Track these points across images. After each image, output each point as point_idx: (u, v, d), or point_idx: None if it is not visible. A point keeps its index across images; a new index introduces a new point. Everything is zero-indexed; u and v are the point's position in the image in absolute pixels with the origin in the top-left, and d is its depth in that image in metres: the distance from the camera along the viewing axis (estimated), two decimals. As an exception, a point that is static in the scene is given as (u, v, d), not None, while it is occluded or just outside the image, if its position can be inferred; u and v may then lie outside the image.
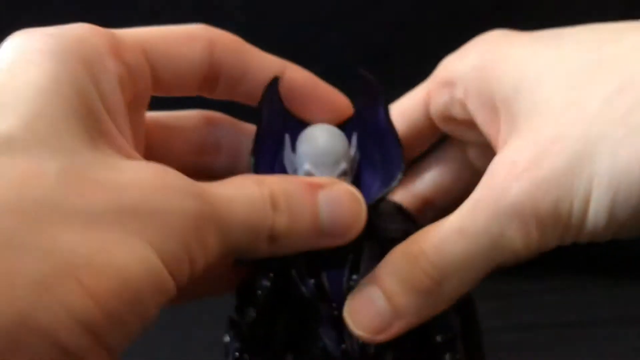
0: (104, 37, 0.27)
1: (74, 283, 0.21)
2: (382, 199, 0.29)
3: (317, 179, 0.28)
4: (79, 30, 0.27)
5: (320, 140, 0.29)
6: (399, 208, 0.32)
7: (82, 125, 0.24)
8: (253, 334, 0.29)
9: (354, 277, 0.29)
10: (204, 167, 0.33)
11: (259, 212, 0.26)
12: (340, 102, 0.32)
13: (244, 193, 0.26)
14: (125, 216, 0.22)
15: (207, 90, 0.31)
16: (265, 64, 0.31)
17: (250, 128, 0.33)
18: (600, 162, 0.25)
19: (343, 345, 0.29)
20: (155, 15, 0.51)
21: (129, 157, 0.25)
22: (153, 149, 0.29)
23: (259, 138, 0.29)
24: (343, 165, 0.29)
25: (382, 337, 0.28)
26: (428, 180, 0.36)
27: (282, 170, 0.30)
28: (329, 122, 0.31)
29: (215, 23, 0.52)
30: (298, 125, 0.31)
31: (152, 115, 0.31)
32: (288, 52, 0.33)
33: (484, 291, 0.31)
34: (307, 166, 0.29)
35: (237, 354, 0.29)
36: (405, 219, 0.32)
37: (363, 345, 0.29)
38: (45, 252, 0.21)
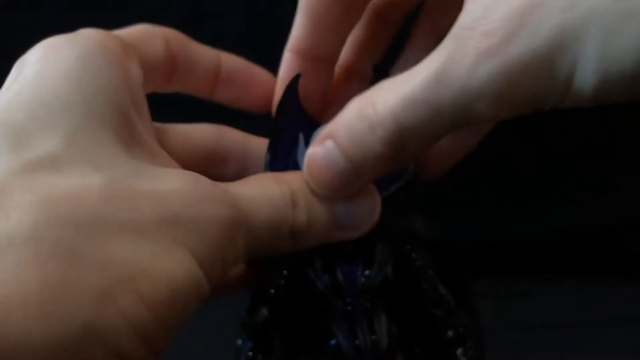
0: (116, 41, 0.28)
1: (132, 293, 0.22)
2: (393, 193, 0.29)
3: None
4: (96, 35, 0.27)
5: None
6: (408, 202, 0.32)
7: (117, 135, 0.25)
8: (266, 333, 0.29)
9: (367, 272, 0.29)
10: (212, 177, 0.33)
11: (281, 211, 0.27)
12: (272, 86, 0.33)
13: (265, 193, 0.27)
14: (170, 225, 0.23)
15: (165, 83, 0.32)
16: (205, 54, 0.33)
17: (258, 141, 0.34)
18: (588, 45, 0.22)
19: (356, 342, 0.29)
20: (153, 16, 0.51)
21: (159, 159, 0.26)
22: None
23: (275, 136, 0.30)
24: None
25: (343, 194, 0.28)
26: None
27: (296, 168, 0.31)
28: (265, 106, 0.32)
29: (215, 23, 0.52)
30: (311, 124, 0.31)
31: (165, 125, 0.32)
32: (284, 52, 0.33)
33: (485, 291, 0.31)
34: None
35: (250, 354, 0.29)
36: (414, 213, 0.32)
37: (376, 341, 0.29)
38: (103, 263, 0.22)
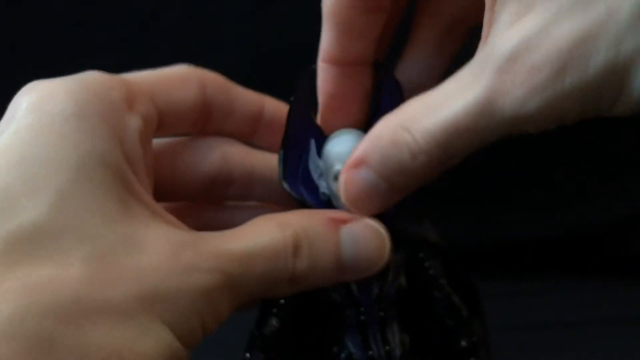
0: (119, 89, 0.27)
1: None
2: (406, 202, 0.29)
3: (340, 214, 0.28)
4: (97, 85, 0.27)
5: (351, 143, 0.30)
6: (420, 210, 0.32)
7: (110, 195, 0.25)
8: (276, 345, 0.29)
9: (382, 282, 0.29)
10: (215, 196, 0.33)
11: (279, 261, 0.26)
12: None
13: (265, 242, 0.26)
14: (148, 302, 0.23)
15: (199, 127, 0.32)
16: (247, 99, 0.33)
17: (263, 157, 0.34)
18: (636, 75, 0.23)
19: (370, 352, 0.29)
20: (154, 17, 0.51)
21: (153, 212, 0.26)
22: (164, 175, 0.30)
23: (287, 142, 0.30)
24: None
25: (385, 208, 0.28)
26: (412, 71, 0.34)
27: (307, 174, 0.30)
28: None
29: (215, 23, 0.52)
30: (322, 131, 0.31)
31: (166, 141, 0.32)
32: (285, 53, 0.33)
33: (484, 291, 0.31)
34: (338, 166, 0.29)
35: (247, 355, 0.29)
36: (427, 221, 0.32)
37: (389, 351, 0.29)
38: (82, 352, 0.22)
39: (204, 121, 0.32)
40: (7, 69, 0.52)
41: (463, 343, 0.30)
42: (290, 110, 0.30)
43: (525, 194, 0.52)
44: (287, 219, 0.27)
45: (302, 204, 0.30)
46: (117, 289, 0.23)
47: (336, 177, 0.29)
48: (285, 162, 0.30)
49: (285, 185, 0.30)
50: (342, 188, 0.27)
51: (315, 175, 0.30)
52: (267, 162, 0.33)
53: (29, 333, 0.21)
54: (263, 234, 0.26)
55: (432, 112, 0.25)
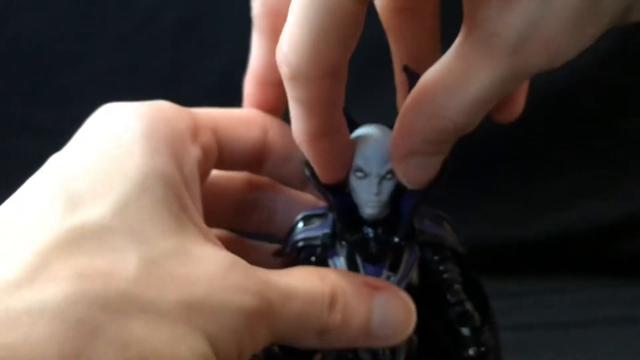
0: (186, 120, 0.29)
1: None
2: (423, 200, 0.29)
3: (374, 280, 0.29)
4: (166, 114, 0.29)
5: (373, 138, 0.30)
6: (436, 211, 0.32)
7: (170, 210, 0.26)
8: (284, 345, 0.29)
9: (392, 278, 0.29)
10: (238, 224, 0.35)
11: (315, 310, 0.27)
12: None
13: (305, 288, 0.27)
14: (192, 310, 0.24)
15: (255, 168, 0.33)
16: None
17: (287, 191, 0.34)
18: None
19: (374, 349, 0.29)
20: (154, 17, 0.52)
21: (206, 235, 0.27)
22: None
23: None
24: (390, 165, 0.29)
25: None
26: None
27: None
28: None
29: (215, 23, 0.52)
30: (350, 125, 0.31)
31: None
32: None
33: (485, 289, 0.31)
34: (357, 162, 0.29)
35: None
36: (447, 225, 0.32)
37: (394, 351, 0.29)
38: (122, 344, 0.23)
39: (261, 163, 0.33)
40: (7, 68, 0.52)
41: (471, 352, 0.29)
42: None
43: (526, 194, 0.52)
44: (327, 274, 0.28)
45: (325, 196, 0.30)
46: (164, 293, 0.24)
47: (356, 173, 0.29)
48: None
49: (308, 174, 0.30)
50: (407, 181, 0.28)
51: None
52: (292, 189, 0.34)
53: (74, 317, 0.22)
54: (305, 280, 0.27)
55: (458, 92, 0.26)
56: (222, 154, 0.31)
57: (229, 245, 0.34)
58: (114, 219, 0.25)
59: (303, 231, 0.31)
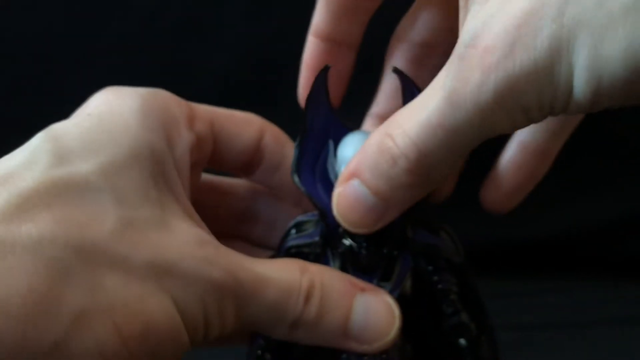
0: (182, 108, 0.30)
1: (109, 322, 0.24)
2: (416, 208, 0.29)
3: (363, 282, 0.28)
4: (164, 98, 0.29)
5: (356, 146, 0.29)
6: (439, 223, 0.32)
7: (155, 183, 0.26)
8: (278, 344, 0.29)
9: (385, 286, 0.29)
10: (241, 234, 0.34)
11: (290, 301, 0.27)
12: None
13: (282, 278, 0.27)
14: (161, 273, 0.25)
15: (247, 172, 0.33)
16: None
17: (287, 203, 0.34)
18: (580, 52, 0.22)
19: (365, 358, 0.28)
20: (154, 17, 0.52)
21: (188, 214, 0.27)
22: (201, 209, 0.30)
23: (304, 131, 0.30)
24: None
25: (379, 226, 0.28)
26: (422, 26, 0.34)
27: (324, 173, 0.30)
28: None
29: (215, 23, 0.52)
30: (341, 131, 0.31)
31: (206, 177, 0.33)
32: (285, 54, 0.33)
33: (484, 291, 0.31)
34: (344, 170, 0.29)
35: (259, 352, 0.29)
36: (444, 235, 0.31)
37: (386, 358, 0.28)
38: (89, 288, 0.24)
39: (253, 167, 0.33)
40: (7, 68, 0.52)
41: (461, 341, 0.29)
42: (306, 106, 0.30)
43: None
44: (309, 267, 0.28)
45: (313, 203, 0.30)
46: (136, 252, 0.25)
47: None
48: (299, 157, 0.30)
49: (296, 180, 0.30)
50: (334, 202, 0.28)
51: (332, 176, 0.30)
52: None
53: (47, 256, 0.23)
54: (284, 270, 0.27)
55: (412, 114, 0.25)
56: (217, 148, 0.31)
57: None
58: (99, 178, 0.25)
59: (295, 238, 0.30)
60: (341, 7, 0.32)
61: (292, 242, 0.30)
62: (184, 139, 0.29)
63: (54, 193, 0.24)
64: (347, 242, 0.29)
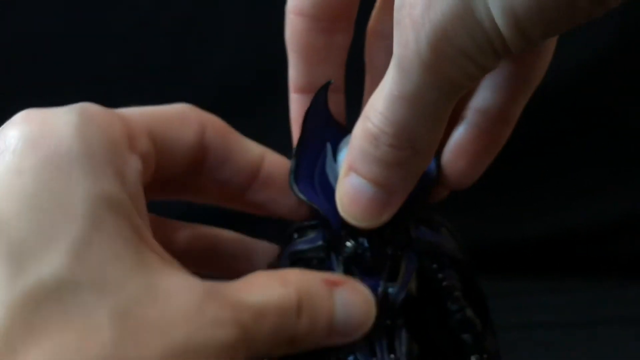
0: (120, 128, 0.26)
1: None
2: (420, 206, 0.29)
3: (333, 276, 0.28)
4: (99, 120, 0.26)
5: None
6: (440, 220, 0.32)
7: (126, 243, 0.24)
8: None
9: (390, 289, 0.28)
10: (192, 180, 0.32)
11: (286, 319, 0.26)
12: None
13: (273, 298, 0.26)
14: (176, 356, 0.23)
15: (194, 170, 0.31)
16: (246, 148, 0.32)
17: (239, 150, 0.32)
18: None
19: (374, 359, 0.28)
20: (154, 17, 0.52)
21: (165, 260, 0.25)
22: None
23: (301, 142, 0.30)
24: None
25: (386, 217, 0.28)
26: (391, 19, 0.34)
27: (324, 178, 0.30)
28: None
29: (215, 23, 0.52)
30: (339, 134, 0.31)
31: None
32: (284, 54, 0.33)
33: (485, 291, 0.31)
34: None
35: None
36: (446, 231, 0.31)
37: (394, 358, 0.28)
38: None
39: (200, 165, 0.31)
40: (7, 68, 0.52)
41: (473, 359, 0.29)
42: (305, 118, 0.30)
43: (525, 193, 0.52)
44: (287, 276, 0.27)
45: (313, 210, 0.30)
46: (147, 346, 0.22)
47: None
48: (297, 166, 0.30)
49: (295, 190, 0.30)
50: (337, 202, 0.28)
51: (332, 180, 0.30)
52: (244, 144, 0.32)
53: None
54: (270, 290, 0.26)
55: (379, 92, 0.26)
56: (159, 159, 0.29)
57: (203, 242, 0.33)
58: (73, 269, 0.22)
59: (298, 243, 0.30)
60: (311, 52, 0.31)
61: (294, 247, 0.30)
62: (133, 169, 0.26)
63: (30, 314, 0.21)
64: (350, 244, 0.29)
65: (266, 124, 0.34)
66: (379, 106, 0.25)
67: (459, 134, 0.31)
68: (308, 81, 0.32)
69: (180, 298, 0.24)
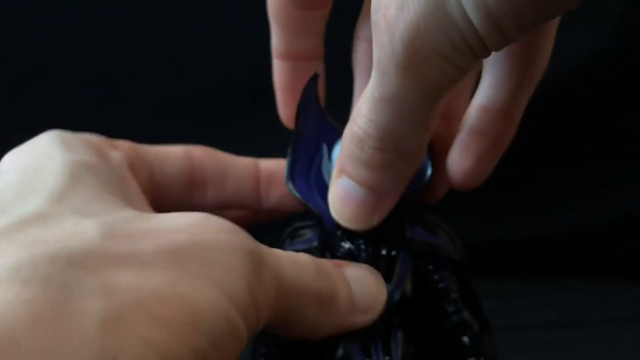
0: (95, 137, 0.28)
1: (145, 316, 0.20)
2: (414, 205, 0.29)
3: (338, 261, 0.28)
4: (72, 133, 0.28)
5: None
6: (431, 218, 0.32)
7: (111, 193, 0.24)
8: (278, 343, 0.29)
9: (387, 287, 0.28)
10: (194, 204, 0.33)
11: (306, 274, 0.25)
12: None
13: (289, 255, 0.26)
14: (181, 257, 0.21)
15: (199, 196, 0.32)
16: (238, 159, 0.33)
17: (233, 161, 0.33)
18: None
19: None
20: (154, 17, 0.52)
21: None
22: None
23: (296, 141, 0.30)
24: None
25: (377, 219, 0.28)
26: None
27: (319, 178, 0.30)
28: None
29: (215, 23, 0.52)
30: (334, 134, 0.31)
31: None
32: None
33: (484, 291, 0.31)
34: None
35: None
36: (442, 232, 0.31)
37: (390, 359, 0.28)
38: (107, 291, 0.20)
39: (201, 190, 0.31)
40: (7, 68, 0.52)
41: (465, 339, 0.29)
42: (298, 114, 0.30)
43: (526, 193, 0.52)
44: (298, 254, 0.27)
45: (310, 209, 0.30)
46: (138, 245, 0.22)
47: None
48: (293, 164, 0.30)
49: (291, 188, 0.30)
50: (329, 204, 0.28)
51: (327, 180, 0.30)
52: (242, 165, 0.33)
53: (41, 277, 0.19)
54: (285, 252, 0.26)
55: (364, 95, 0.26)
56: (152, 175, 0.30)
57: None
58: (54, 207, 0.22)
59: (294, 243, 0.30)
60: (290, 23, 0.32)
61: (290, 247, 0.30)
62: (116, 156, 0.27)
63: (13, 232, 0.21)
64: (346, 245, 0.29)
65: (266, 124, 0.34)
66: (363, 109, 0.26)
67: (464, 133, 0.31)
68: (288, 48, 0.33)
69: (178, 217, 0.23)
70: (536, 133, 0.50)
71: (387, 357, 0.28)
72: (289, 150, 0.30)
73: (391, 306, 0.28)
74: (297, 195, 0.30)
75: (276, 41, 0.33)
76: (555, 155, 0.51)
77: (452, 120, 0.32)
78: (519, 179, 0.51)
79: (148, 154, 0.30)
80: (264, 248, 0.25)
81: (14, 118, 0.50)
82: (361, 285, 0.27)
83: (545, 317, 0.45)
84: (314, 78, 0.31)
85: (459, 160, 0.32)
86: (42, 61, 0.51)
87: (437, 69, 0.24)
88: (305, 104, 0.31)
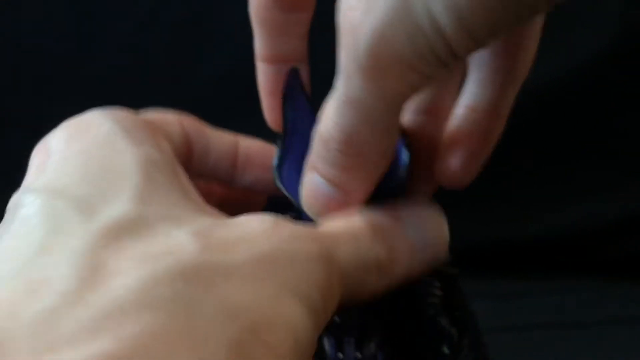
0: (142, 120, 0.28)
1: (260, 344, 0.20)
2: (391, 197, 0.29)
3: (394, 211, 0.28)
4: (120, 112, 0.27)
5: None
6: None
7: (183, 195, 0.24)
8: None
9: None
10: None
11: (364, 244, 0.25)
12: None
13: (346, 226, 0.26)
14: (269, 267, 0.22)
15: (184, 166, 0.31)
16: (220, 135, 0.32)
17: (215, 134, 0.33)
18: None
19: (339, 354, 0.28)
20: (154, 17, 0.52)
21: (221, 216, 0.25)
22: None
23: (284, 131, 0.30)
24: None
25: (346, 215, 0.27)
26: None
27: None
28: None
29: (215, 23, 0.52)
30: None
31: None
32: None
33: (484, 291, 0.31)
34: None
35: None
36: None
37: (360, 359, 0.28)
38: (227, 312, 0.20)
39: (188, 161, 0.31)
40: (7, 68, 0.52)
41: (445, 350, 0.29)
42: (283, 107, 0.31)
43: (526, 193, 0.52)
44: (351, 214, 0.27)
45: (293, 202, 0.30)
46: (232, 255, 0.22)
47: None
48: (280, 158, 0.30)
49: (277, 182, 0.30)
50: (301, 198, 0.28)
51: None
52: (225, 139, 0.33)
53: (165, 298, 0.19)
54: (342, 219, 0.26)
55: (332, 95, 0.25)
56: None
57: None
58: (140, 211, 0.22)
59: None
60: (273, 26, 0.32)
61: None
62: (165, 144, 0.27)
63: (112, 240, 0.21)
64: None
65: (262, 125, 0.34)
66: (330, 110, 0.26)
67: (451, 132, 0.31)
68: (270, 51, 0.32)
69: (251, 224, 0.23)
70: (536, 133, 0.50)
71: (357, 353, 0.27)
72: (278, 143, 0.30)
73: (368, 304, 0.28)
74: (282, 188, 0.30)
75: (259, 44, 0.32)
76: (556, 155, 0.51)
77: (439, 117, 0.32)
78: (519, 179, 0.51)
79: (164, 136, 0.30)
80: (329, 244, 0.24)
81: (14, 118, 0.50)
82: (419, 224, 0.27)
83: (545, 317, 0.45)
84: (293, 72, 0.31)
85: (448, 159, 0.32)
86: (42, 61, 0.52)
87: (401, 77, 0.23)
88: (289, 96, 0.31)
